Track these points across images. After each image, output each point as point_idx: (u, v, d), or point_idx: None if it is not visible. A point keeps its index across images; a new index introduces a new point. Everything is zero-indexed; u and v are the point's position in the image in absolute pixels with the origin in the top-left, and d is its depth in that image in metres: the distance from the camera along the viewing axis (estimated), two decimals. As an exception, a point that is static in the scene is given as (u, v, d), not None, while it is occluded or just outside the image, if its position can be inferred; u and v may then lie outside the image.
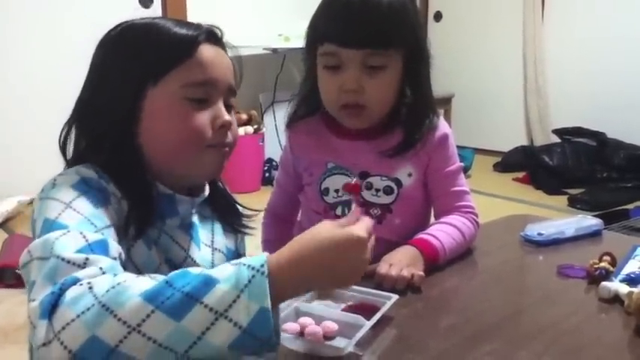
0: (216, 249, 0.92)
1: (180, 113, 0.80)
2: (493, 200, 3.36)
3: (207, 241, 0.91)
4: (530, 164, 3.92)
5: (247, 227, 0.97)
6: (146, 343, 0.57)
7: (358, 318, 0.74)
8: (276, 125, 3.74)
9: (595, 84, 4.01)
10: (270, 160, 3.72)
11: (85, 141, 0.84)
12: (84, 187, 0.74)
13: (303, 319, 0.75)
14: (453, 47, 4.55)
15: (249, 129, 3.59)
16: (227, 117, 0.83)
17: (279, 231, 1.22)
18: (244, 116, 3.61)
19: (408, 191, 1.07)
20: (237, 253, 0.97)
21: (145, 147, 0.81)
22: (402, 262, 0.92)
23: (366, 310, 0.78)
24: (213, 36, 0.85)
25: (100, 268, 0.64)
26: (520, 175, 3.93)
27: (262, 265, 0.60)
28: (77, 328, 0.57)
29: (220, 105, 0.83)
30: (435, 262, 0.97)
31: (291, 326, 0.73)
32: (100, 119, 0.81)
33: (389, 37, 0.99)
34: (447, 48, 4.38)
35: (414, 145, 1.05)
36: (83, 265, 0.63)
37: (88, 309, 0.58)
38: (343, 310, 0.79)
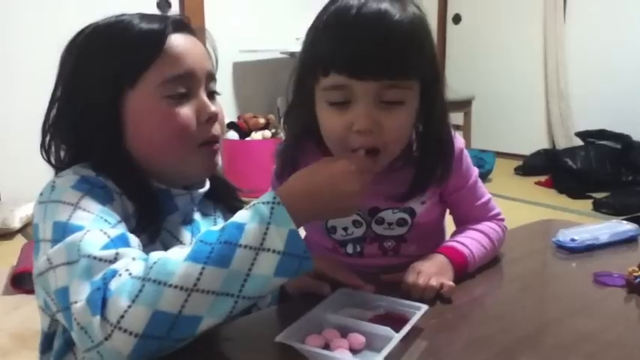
0: None
1: (163, 112, 0.78)
2: (515, 204, 3.30)
3: None
4: (552, 168, 3.85)
5: None
6: (206, 298, 0.61)
7: (387, 330, 0.70)
8: (294, 129, 3.71)
9: (619, 85, 3.92)
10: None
11: (70, 149, 0.82)
12: (86, 186, 0.73)
13: (328, 332, 0.71)
14: (473, 49, 4.50)
15: (267, 133, 3.56)
16: (212, 108, 0.82)
17: None
18: (262, 120, 3.59)
19: (422, 217, 0.97)
20: None
21: (133, 149, 0.80)
22: (430, 270, 0.87)
23: (394, 320, 0.74)
24: (180, 25, 0.82)
25: (133, 259, 0.65)
26: (542, 178, 3.86)
27: (275, 197, 0.67)
28: (136, 311, 0.59)
29: (202, 96, 0.82)
30: (464, 271, 0.92)
31: (316, 340, 0.70)
32: (81, 129, 0.80)
33: (411, 64, 0.81)
34: (467, 50, 4.33)
35: (427, 188, 0.94)
36: (114, 259, 0.65)
37: (140, 290, 0.60)
38: (370, 320, 0.75)
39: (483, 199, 1.02)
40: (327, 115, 0.84)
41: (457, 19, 4.80)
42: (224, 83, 3.82)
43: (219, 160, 0.88)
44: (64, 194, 0.72)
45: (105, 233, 0.68)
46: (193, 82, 0.81)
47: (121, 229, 0.71)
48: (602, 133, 3.87)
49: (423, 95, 0.86)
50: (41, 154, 0.83)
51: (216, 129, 0.84)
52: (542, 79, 4.35)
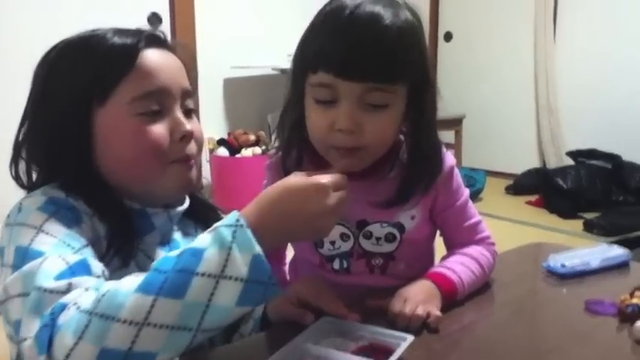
0: None
1: (133, 130, 0.75)
2: (506, 224, 3.28)
3: None
4: (543, 187, 3.85)
5: None
6: (159, 333, 0.57)
7: (370, 362, 0.67)
8: (284, 146, 3.69)
9: (609, 105, 3.94)
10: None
11: (40, 167, 0.80)
12: (52, 208, 0.71)
13: (310, 364, 0.68)
14: (464, 67, 4.51)
15: (258, 150, 3.54)
16: (186, 127, 0.79)
17: None
18: (252, 137, 3.57)
19: (411, 235, 0.95)
20: None
21: (103, 167, 0.78)
22: (417, 297, 0.84)
23: (378, 351, 0.72)
24: (155, 40, 0.80)
25: (86, 289, 0.61)
26: (533, 198, 3.85)
27: (238, 220, 0.62)
28: (83, 348, 0.55)
29: (177, 114, 0.79)
30: (453, 298, 0.89)
31: (296, 371, 0.67)
32: (50, 146, 0.77)
33: (398, 69, 0.81)
34: (458, 68, 4.34)
35: (412, 194, 0.92)
36: (67, 290, 0.61)
37: (86, 326, 0.56)
38: (353, 351, 0.72)
39: (472, 221, 1.00)
40: (313, 112, 0.85)
41: (448, 36, 4.82)
42: (215, 99, 3.80)
43: (194, 176, 0.83)
44: (30, 216, 0.69)
45: (64, 260, 0.64)
46: (167, 99, 0.78)
47: (84, 254, 0.68)
48: (592, 153, 3.87)
49: (412, 100, 0.86)
50: (10, 173, 0.80)
51: (191, 148, 0.81)
52: (533, 97, 4.36)
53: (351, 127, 0.81)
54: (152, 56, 0.78)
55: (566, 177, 3.72)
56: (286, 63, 3.98)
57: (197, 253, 0.60)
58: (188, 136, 0.79)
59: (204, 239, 0.62)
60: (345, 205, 0.71)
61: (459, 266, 0.93)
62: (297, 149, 0.93)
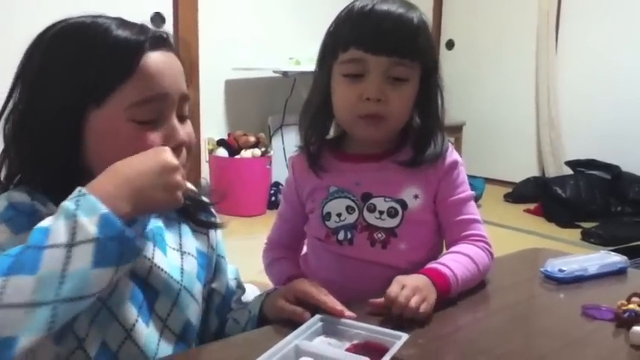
0: (185, 252, 0.86)
1: (127, 137, 0.72)
2: (504, 231, 3.28)
3: (174, 244, 0.85)
4: (542, 196, 3.84)
5: (214, 223, 0.91)
6: (14, 313, 0.55)
7: (365, 360, 0.66)
8: (284, 149, 3.69)
9: (609, 115, 3.94)
10: (277, 184, 3.66)
11: (21, 159, 0.75)
12: (9, 214, 0.69)
13: (304, 360, 0.67)
14: (465, 75, 4.51)
15: (257, 152, 3.54)
16: (181, 136, 0.76)
17: (283, 253, 1.14)
18: (252, 139, 3.57)
19: (414, 214, 1.01)
20: (210, 256, 0.91)
21: (92, 168, 0.73)
22: (414, 284, 0.86)
23: (372, 350, 0.71)
24: (159, 40, 0.76)
25: None
26: (532, 206, 3.85)
27: (80, 191, 0.62)
28: None
29: (173, 122, 0.75)
30: (447, 294, 0.90)
31: (290, 368, 0.66)
32: (37, 136, 0.73)
33: (416, 48, 0.96)
34: (459, 76, 4.34)
35: (422, 162, 1.01)
36: None
37: None
38: (347, 349, 0.72)
39: (467, 217, 1.03)
40: (342, 86, 0.98)
41: (450, 44, 4.83)
42: (216, 100, 3.80)
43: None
44: None
45: None
46: (165, 106, 0.75)
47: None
48: (592, 163, 3.87)
49: (423, 83, 1.00)
50: None
51: (182, 158, 0.76)
52: (534, 106, 4.36)
53: (379, 95, 0.95)
54: (155, 59, 0.73)
55: (565, 186, 3.72)
56: (287, 66, 4.01)
57: (44, 230, 0.59)
58: (181, 146, 0.76)
59: (49, 218, 0.61)
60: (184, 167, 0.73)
61: (454, 263, 0.94)
62: (319, 135, 1.05)
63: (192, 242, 0.88)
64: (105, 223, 0.60)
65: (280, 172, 3.61)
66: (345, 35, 0.97)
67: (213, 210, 0.93)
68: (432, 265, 0.94)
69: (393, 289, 0.85)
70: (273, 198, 3.61)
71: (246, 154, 3.52)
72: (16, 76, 0.76)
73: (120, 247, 0.61)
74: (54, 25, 0.75)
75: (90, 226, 0.59)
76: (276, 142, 3.80)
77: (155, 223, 0.84)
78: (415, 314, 0.83)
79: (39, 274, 0.56)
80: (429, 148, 1.01)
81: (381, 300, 0.86)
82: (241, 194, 3.37)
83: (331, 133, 1.09)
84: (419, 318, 0.83)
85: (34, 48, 0.75)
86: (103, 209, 0.60)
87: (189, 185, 0.82)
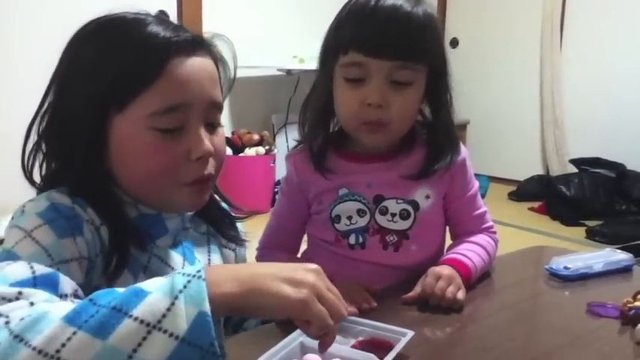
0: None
1: (148, 146, 0.70)
2: (508, 229, 3.27)
3: (203, 259, 0.85)
4: (546, 194, 3.84)
5: (243, 239, 0.92)
6: None
7: (370, 357, 0.66)
8: (288, 147, 3.69)
9: (614, 114, 3.94)
10: (280, 182, 3.65)
11: (54, 160, 0.74)
12: (51, 215, 0.67)
13: (309, 357, 0.67)
14: (470, 74, 4.50)
15: (261, 150, 3.54)
16: (206, 146, 0.72)
17: (281, 255, 1.08)
18: (256, 137, 3.57)
19: (425, 215, 1.00)
20: None
21: (115, 173, 0.73)
22: (448, 276, 0.90)
23: (378, 347, 0.71)
24: (192, 44, 0.72)
25: (31, 303, 0.55)
26: (536, 204, 3.84)
27: (199, 271, 0.55)
28: None
29: (198, 131, 0.72)
30: (468, 283, 0.94)
31: (295, 364, 0.66)
32: (65, 136, 0.71)
33: (421, 50, 0.91)
34: (463, 74, 4.28)
35: (438, 168, 0.98)
36: (15, 298, 0.56)
37: (0, 344, 0.51)
38: (353, 346, 0.72)
39: (480, 210, 1.06)
40: (343, 91, 0.94)
41: (454, 43, 4.82)
42: (219, 98, 3.80)
43: (208, 195, 0.79)
44: (26, 220, 0.66)
45: (32, 269, 0.60)
46: (190, 114, 0.71)
47: (60, 269, 0.63)
48: (596, 161, 3.87)
49: (432, 83, 0.95)
50: (22, 166, 0.74)
51: (209, 167, 0.74)
52: (538, 104, 4.36)
53: (380, 101, 0.90)
54: (183, 65, 0.70)
55: (569, 184, 3.72)
56: (291, 64, 4.00)
57: (140, 294, 0.53)
58: (206, 156, 0.73)
59: (157, 281, 0.55)
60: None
61: (471, 253, 0.98)
62: (323, 134, 1.01)
63: (219, 260, 0.89)
64: (198, 324, 0.51)
65: (284, 171, 3.61)
66: (346, 37, 0.91)
67: (239, 226, 0.93)
68: (452, 255, 0.98)
69: (430, 282, 0.89)
70: (277, 196, 3.60)
71: (250, 152, 3.52)
72: (53, 74, 0.75)
73: (202, 358, 0.52)
74: (89, 22, 0.74)
75: (182, 320, 0.51)
76: (280, 140, 3.81)
77: (185, 240, 0.83)
78: (454, 302, 0.87)
79: (108, 342, 0.50)
80: (443, 152, 0.99)
81: (414, 294, 0.89)
82: (246, 192, 3.37)
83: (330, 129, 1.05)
84: (456, 306, 0.88)
85: (68, 45, 0.74)
86: (205, 307, 0.52)
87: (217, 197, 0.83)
